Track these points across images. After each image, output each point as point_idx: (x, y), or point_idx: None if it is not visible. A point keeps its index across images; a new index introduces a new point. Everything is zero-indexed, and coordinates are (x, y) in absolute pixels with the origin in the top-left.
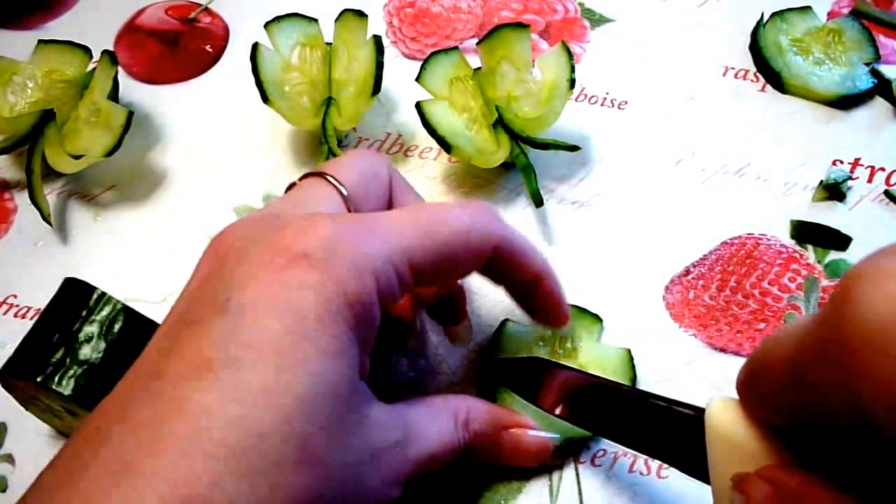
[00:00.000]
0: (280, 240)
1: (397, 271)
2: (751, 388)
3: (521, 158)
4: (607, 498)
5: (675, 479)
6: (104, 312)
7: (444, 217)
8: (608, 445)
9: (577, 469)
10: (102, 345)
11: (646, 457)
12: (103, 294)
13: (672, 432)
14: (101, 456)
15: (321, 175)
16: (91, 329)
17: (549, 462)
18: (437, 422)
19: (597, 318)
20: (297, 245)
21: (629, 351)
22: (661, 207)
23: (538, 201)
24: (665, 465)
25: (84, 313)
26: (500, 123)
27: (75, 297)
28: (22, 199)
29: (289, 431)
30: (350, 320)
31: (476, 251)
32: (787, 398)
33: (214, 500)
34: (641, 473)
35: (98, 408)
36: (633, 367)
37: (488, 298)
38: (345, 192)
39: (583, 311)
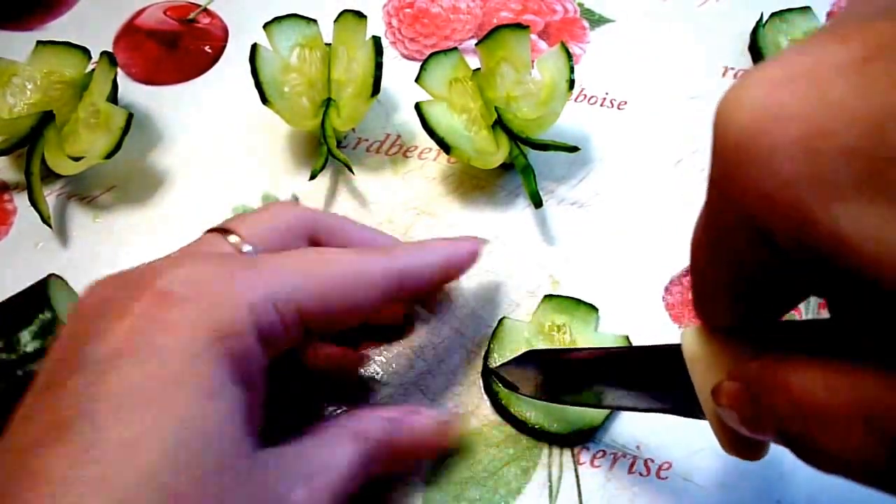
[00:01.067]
0: (141, 282)
1: (279, 310)
2: (694, 292)
3: (520, 159)
4: (607, 498)
5: (674, 480)
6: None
7: (326, 259)
8: (608, 445)
9: (576, 469)
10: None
11: (646, 457)
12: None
13: (664, 376)
14: None
15: (221, 231)
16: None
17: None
18: (340, 447)
19: (592, 308)
20: (159, 285)
21: (627, 337)
22: (661, 207)
23: (537, 203)
24: (665, 466)
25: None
26: (500, 124)
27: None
28: (21, 200)
29: (155, 487)
30: (222, 356)
31: (367, 292)
32: (714, 275)
33: None
34: (641, 474)
35: None
36: None
37: (487, 297)
38: (245, 249)
39: (578, 302)
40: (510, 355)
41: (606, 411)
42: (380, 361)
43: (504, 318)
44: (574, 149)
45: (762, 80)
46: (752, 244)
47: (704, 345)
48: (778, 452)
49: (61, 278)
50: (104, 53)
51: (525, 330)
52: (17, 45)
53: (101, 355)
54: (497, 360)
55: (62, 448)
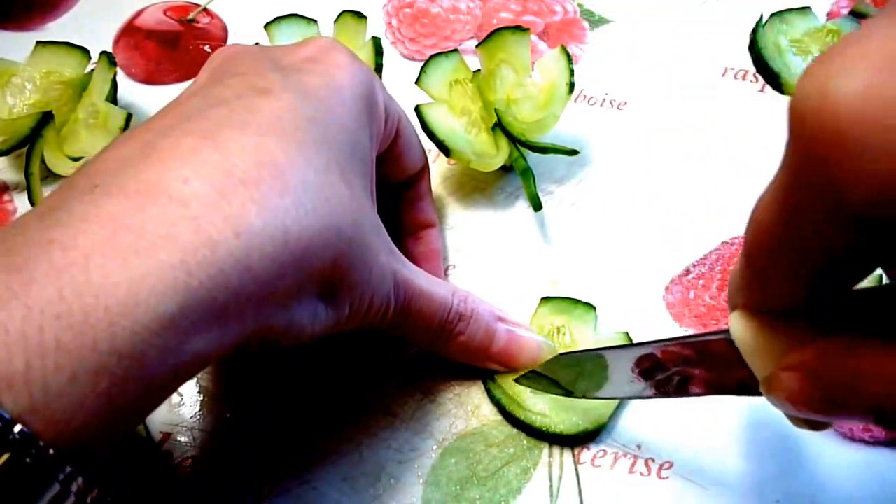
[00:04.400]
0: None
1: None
2: (753, 274)
3: (519, 162)
4: (608, 498)
5: (675, 479)
6: None
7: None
8: (608, 446)
9: (576, 469)
10: None
11: (647, 457)
12: None
13: (714, 360)
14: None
15: None
16: None
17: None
18: (435, 281)
19: (590, 307)
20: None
21: (627, 333)
22: (661, 207)
23: (537, 205)
24: (666, 466)
25: None
26: (500, 127)
27: None
28: (21, 200)
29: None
30: (367, 120)
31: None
32: (788, 256)
33: (286, 163)
34: (641, 474)
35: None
36: None
37: (487, 299)
38: None
39: (576, 302)
40: None
41: (612, 409)
42: (380, 362)
43: None
44: (574, 152)
45: (853, 62)
46: (842, 229)
47: (757, 329)
48: (776, 452)
49: None
50: (103, 53)
51: None
52: (16, 45)
53: (291, 62)
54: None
55: (274, 99)
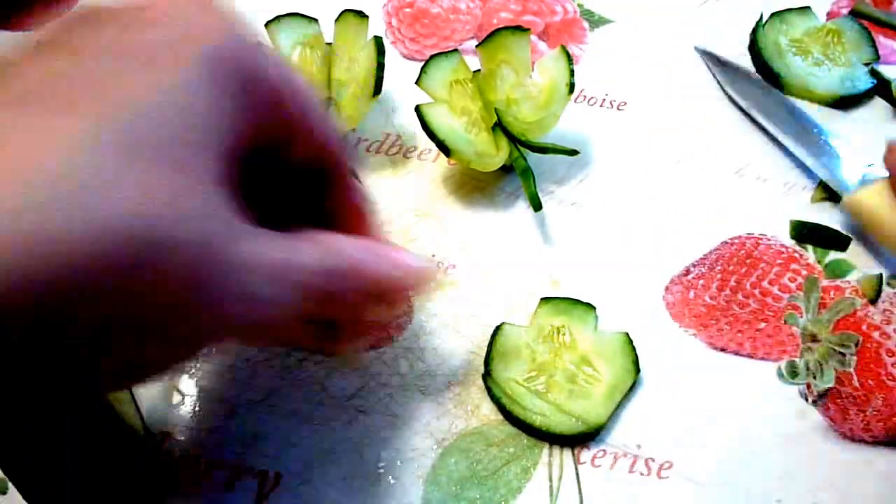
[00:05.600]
0: None
1: None
2: None
3: (519, 162)
4: (608, 497)
5: (675, 479)
6: None
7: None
8: (608, 445)
9: (577, 469)
10: None
11: (647, 457)
12: None
13: None
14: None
15: None
16: None
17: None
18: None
19: (590, 307)
20: None
21: (627, 334)
22: (661, 207)
23: (536, 205)
24: (666, 465)
25: None
26: (500, 127)
27: None
28: None
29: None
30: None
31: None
32: None
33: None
34: (641, 473)
35: None
36: (633, 349)
37: (487, 299)
38: None
39: (576, 302)
40: (511, 360)
41: (612, 409)
42: (380, 362)
43: (503, 323)
44: (574, 152)
45: None
46: None
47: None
48: (777, 452)
49: None
50: None
51: (524, 334)
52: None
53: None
54: (498, 366)
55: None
